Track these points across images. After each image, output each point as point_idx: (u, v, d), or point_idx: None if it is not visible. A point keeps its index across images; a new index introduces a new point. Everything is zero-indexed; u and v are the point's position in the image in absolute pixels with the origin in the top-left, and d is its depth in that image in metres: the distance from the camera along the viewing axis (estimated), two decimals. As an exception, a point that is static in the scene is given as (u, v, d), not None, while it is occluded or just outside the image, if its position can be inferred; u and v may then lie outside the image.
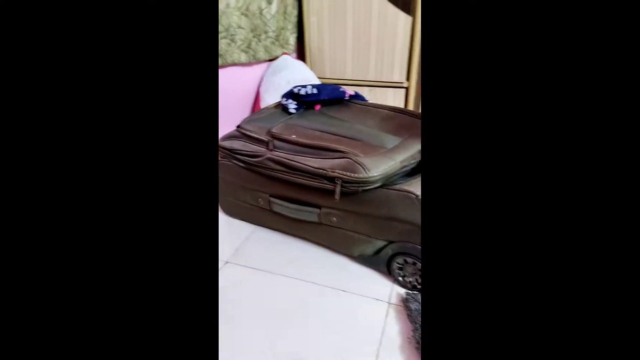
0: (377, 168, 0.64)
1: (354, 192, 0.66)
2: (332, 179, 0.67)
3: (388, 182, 0.66)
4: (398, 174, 0.67)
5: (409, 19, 1.20)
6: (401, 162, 0.67)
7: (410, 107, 1.36)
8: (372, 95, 1.40)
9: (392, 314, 0.66)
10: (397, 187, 0.65)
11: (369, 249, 0.74)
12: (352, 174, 0.65)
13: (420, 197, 0.62)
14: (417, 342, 0.59)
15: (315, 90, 0.93)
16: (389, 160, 0.67)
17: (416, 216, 0.64)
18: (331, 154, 0.70)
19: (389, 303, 0.68)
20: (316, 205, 0.76)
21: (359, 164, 0.65)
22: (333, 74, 1.40)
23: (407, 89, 1.34)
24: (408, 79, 1.32)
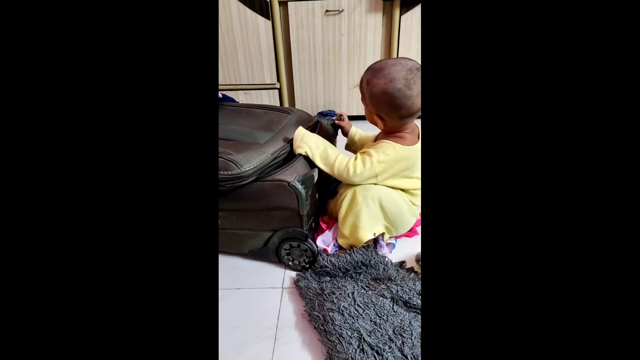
0: (249, 163, 0.67)
1: (230, 189, 0.67)
2: (206, 181, 0.67)
3: (262, 174, 0.69)
4: (271, 165, 0.71)
5: (269, 22, 1.27)
6: (272, 154, 0.71)
7: (285, 105, 1.43)
8: (248, 98, 1.42)
9: (287, 296, 0.70)
10: (270, 177, 0.69)
11: (258, 243, 0.76)
12: (226, 172, 0.66)
13: (291, 182, 0.67)
14: (309, 315, 0.63)
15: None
16: (261, 153, 0.70)
17: (292, 201, 0.69)
18: (202, 156, 0.69)
19: (283, 288, 0.72)
20: (197, 210, 0.74)
21: (231, 162, 0.66)
22: (204, 80, 1.38)
23: (279, 89, 1.41)
24: (279, 80, 1.39)
